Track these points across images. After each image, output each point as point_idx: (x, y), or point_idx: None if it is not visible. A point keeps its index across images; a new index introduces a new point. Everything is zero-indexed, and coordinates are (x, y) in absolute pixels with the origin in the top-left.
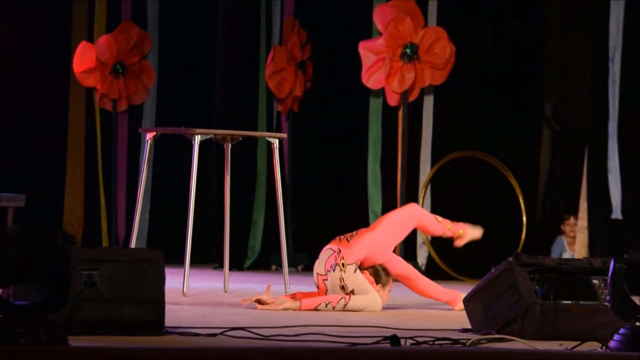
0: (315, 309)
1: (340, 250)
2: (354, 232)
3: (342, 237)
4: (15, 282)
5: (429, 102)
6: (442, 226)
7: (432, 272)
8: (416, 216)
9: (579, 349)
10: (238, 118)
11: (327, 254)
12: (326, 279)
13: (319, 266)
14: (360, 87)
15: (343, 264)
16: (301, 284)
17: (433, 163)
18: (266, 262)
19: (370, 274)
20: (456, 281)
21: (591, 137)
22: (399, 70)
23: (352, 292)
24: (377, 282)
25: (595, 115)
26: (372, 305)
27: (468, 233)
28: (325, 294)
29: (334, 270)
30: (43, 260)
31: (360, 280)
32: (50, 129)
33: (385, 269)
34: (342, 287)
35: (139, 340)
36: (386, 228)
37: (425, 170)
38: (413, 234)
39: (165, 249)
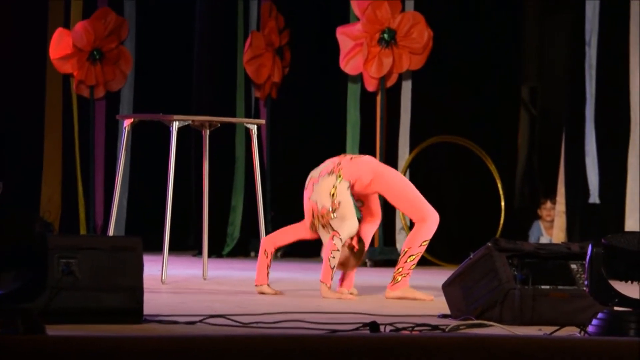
0: (331, 268)
1: (340, 163)
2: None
3: (350, 155)
4: None
5: (407, 87)
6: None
7: None
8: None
9: (558, 333)
10: (216, 104)
11: (328, 162)
12: (317, 182)
13: (315, 170)
14: (338, 73)
15: (340, 175)
16: (281, 271)
17: (411, 148)
18: (245, 249)
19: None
20: (435, 266)
21: (568, 121)
22: (377, 56)
23: (339, 203)
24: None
25: (572, 99)
26: (350, 231)
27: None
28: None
29: (329, 175)
30: (20, 248)
31: (348, 199)
32: (27, 116)
33: (355, 253)
34: (332, 195)
35: (117, 329)
36: (399, 182)
37: (404, 156)
38: (392, 220)
39: (144, 236)
